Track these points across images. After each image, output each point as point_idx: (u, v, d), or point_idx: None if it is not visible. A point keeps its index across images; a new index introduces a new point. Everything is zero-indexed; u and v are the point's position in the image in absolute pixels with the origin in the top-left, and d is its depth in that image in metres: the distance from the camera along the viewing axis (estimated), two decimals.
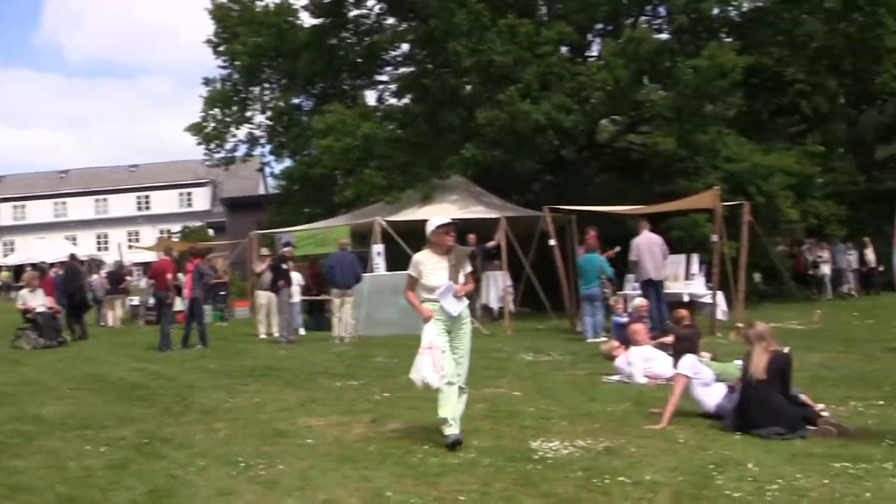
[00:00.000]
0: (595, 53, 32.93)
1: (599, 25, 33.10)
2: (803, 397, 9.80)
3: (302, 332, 25.75)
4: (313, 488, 7.67)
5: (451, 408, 9.14)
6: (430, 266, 9.59)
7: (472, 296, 9.89)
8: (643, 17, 33.22)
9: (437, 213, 27.42)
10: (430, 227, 9.70)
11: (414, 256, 9.82)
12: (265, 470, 8.36)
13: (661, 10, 32.47)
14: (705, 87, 27.29)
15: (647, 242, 21.42)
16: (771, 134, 35.79)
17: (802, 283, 33.09)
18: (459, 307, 9.43)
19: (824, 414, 9.62)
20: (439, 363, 9.12)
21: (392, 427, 10.34)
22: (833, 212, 31.40)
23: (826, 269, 32.79)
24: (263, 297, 25.11)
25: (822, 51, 30.95)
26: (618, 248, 23.67)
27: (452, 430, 9.04)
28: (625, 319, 17.16)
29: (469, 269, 9.82)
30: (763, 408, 9.27)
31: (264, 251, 27.13)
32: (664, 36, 31.52)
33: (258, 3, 36.36)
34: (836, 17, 29.38)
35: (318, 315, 28.25)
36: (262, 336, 24.80)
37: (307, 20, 35.71)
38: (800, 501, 6.84)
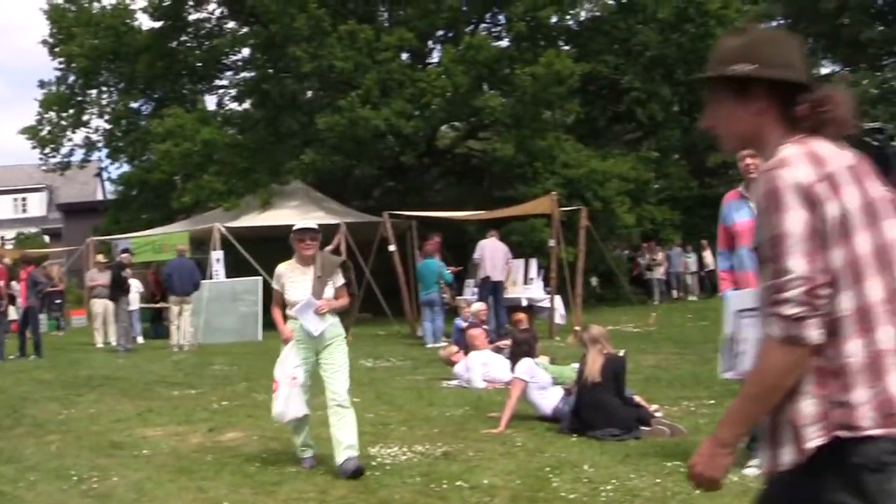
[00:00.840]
0: (435, 60, 33.13)
1: (440, 32, 33.33)
2: (637, 398, 10.00)
3: (140, 340, 25.30)
4: (148, 500, 7.53)
5: (304, 435, 8.65)
6: (293, 278, 8.62)
7: (350, 311, 9.07)
8: (483, 25, 33.59)
9: (276, 219, 27.40)
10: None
11: (277, 268, 8.83)
12: (98, 483, 8.14)
13: (501, 18, 32.85)
14: (543, 94, 27.68)
15: (492, 245, 21.69)
16: (608, 140, 36.55)
17: (639, 287, 33.80)
18: (321, 325, 8.41)
19: (658, 414, 9.83)
20: (299, 397, 8.46)
21: (230, 436, 10.20)
22: (668, 217, 32.19)
23: (659, 273, 33.53)
24: (99, 305, 24.53)
25: (657, 60, 31.69)
26: (461, 268, 23.88)
27: (307, 454, 8.62)
28: (466, 324, 17.27)
29: (341, 281, 8.76)
30: (598, 410, 9.41)
31: (100, 258, 26.52)
32: (503, 43, 31.89)
33: (95, 4, 35.60)
34: (670, 27, 30.12)
35: (157, 323, 27.80)
36: (99, 345, 24.21)
37: (146, 23, 35.14)
38: (633, 500, 6.98)
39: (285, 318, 8.71)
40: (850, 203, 2.78)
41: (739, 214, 7.82)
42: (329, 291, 8.58)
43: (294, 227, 8.79)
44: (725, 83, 2.99)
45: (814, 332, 2.68)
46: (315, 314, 8.40)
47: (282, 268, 8.75)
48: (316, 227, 8.90)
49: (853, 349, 2.74)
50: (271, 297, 9.03)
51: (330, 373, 8.45)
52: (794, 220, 2.71)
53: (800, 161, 2.78)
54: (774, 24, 38.97)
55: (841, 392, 2.74)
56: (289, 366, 8.45)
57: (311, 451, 8.64)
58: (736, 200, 7.94)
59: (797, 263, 2.69)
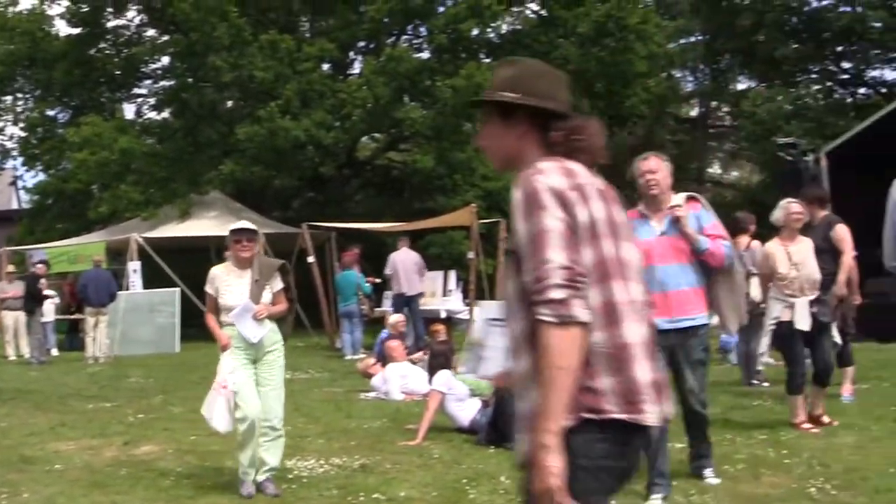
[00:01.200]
0: (356, 71, 33.11)
1: (361, 43, 33.29)
2: None
3: (55, 352, 24.89)
4: None
5: (252, 452, 7.97)
6: (228, 282, 8.16)
7: (286, 318, 8.60)
8: (404, 37, 33.59)
9: (195, 230, 27.17)
10: None
11: (211, 270, 8.37)
12: (8, 499, 7.99)
13: (422, 30, 32.88)
14: (463, 106, 27.72)
15: (403, 258, 21.62)
16: None
17: None
18: (260, 332, 8.03)
19: None
20: (231, 405, 7.90)
21: (145, 449, 10.08)
22: None
23: None
24: (10, 317, 24.06)
25: (577, 74, 31.82)
26: (378, 280, 23.83)
27: (248, 478, 7.99)
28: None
29: (280, 285, 8.35)
30: (516, 421, 9.43)
31: (10, 268, 26.04)
32: (424, 55, 31.91)
33: (11, 9, 34.98)
34: (590, 41, 30.29)
35: (73, 334, 27.41)
36: (12, 357, 23.80)
37: (64, 29, 34.59)
38: None
39: (220, 323, 8.23)
40: (597, 213, 3.07)
41: (641, 233, 7.28)
42: (267, 296, 8.19)
43: (231, 228, 8.38)
44: (496, 108, 3.48)
45: (582, 311, 2.90)
46: (253, 319, 8.03)
47: (216, 270, 8.32)
48: (254, 228, 8.53)
49: (600, 340, 2.99)
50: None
51: (267, 389, 8.09)
52: (552, 217, 2.98)
53: (553, 171, 3.12)
54: (693, 39, 39.59)
55: (588, 378, 2.97)
56: (224, 371, 8.02)
57: (249, 475, 8.01)
58: (637, 219, 7.53)
59: (557, 254, 2.93)
